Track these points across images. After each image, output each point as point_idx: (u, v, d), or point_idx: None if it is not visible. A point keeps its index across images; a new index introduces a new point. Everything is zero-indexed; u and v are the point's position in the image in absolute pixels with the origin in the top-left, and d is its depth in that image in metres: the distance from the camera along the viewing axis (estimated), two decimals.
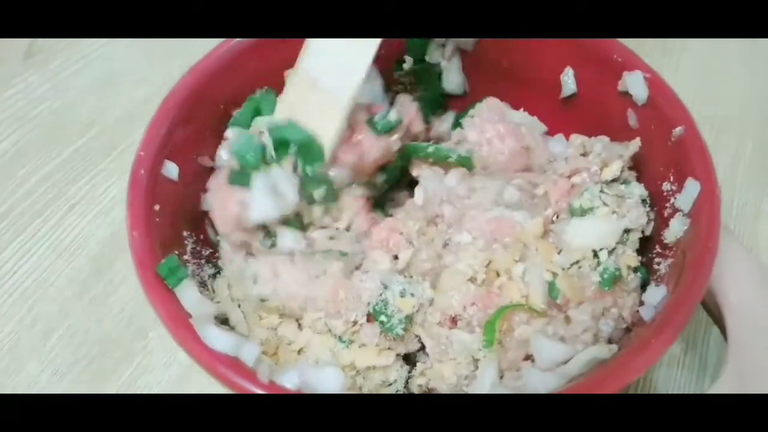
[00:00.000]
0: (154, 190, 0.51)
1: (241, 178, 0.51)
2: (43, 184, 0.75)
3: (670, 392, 0.63)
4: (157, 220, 0.50)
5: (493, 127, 0.59)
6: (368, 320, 0.52)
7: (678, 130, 0.53)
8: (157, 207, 0.50)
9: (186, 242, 0.55)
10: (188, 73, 0.56)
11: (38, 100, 0.82)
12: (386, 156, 0.56)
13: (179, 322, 0.44)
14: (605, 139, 0.58)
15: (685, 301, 0.44)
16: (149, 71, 0.84)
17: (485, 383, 0.47)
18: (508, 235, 0.52)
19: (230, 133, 0.57)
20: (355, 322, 0.52)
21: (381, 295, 0.51)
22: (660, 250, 0.53)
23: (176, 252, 0.51)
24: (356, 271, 0.54)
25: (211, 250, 0.58)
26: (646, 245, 0.55)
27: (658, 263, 0.52)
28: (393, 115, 0.56)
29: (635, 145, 0.56)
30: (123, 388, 0.62)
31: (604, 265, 0.50)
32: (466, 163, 0.58)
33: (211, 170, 0.59)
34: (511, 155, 0.58)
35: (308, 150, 0.51)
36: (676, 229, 0.51)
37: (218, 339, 0.43)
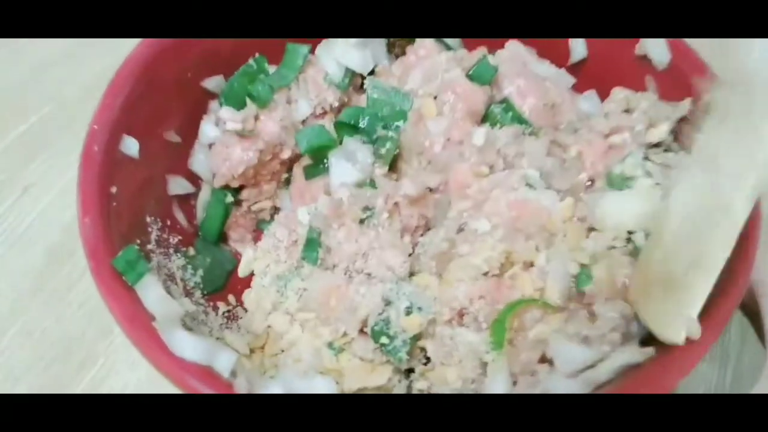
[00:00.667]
0: (110, 170, 0.44)
1: (315, 170, 0.53)
2: None
3: (692, 384, 0.57)
4: (114, 204, 0.43)
5: (511, 82, 0.52)
6: (362, 331, 0.46)
7: (706, 99, 0.46)
8: (114, 189, 0.44)
9: (150, 229, 0.48)
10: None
11: None
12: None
13: (139, 326, 0.37)
14: (653, 96, 0.52)
15: (728, 294, 0.38)
16: (115, 40, 0.76)
17: (496, 390, 0.41)
18: (533, 223, 0.46)
19: (226, 113, 0.51)
20: (345, 334, 0.46)
21: (382, 313, 0.45)
22: None
23: (137, 241, 0.44)
24: (357, 276, 0.48)
25: (180, 237, 0.51)
26: None
27: None
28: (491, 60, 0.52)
29: (684, 107, 0.49)
30: (86, 391, 0.55)
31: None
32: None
33: (179, 146, 0.53)
34: (533, 114, 0.52)
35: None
36: None
37: (187, 345, 0.37)
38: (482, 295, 0.44)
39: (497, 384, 0.41)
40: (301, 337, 0.47)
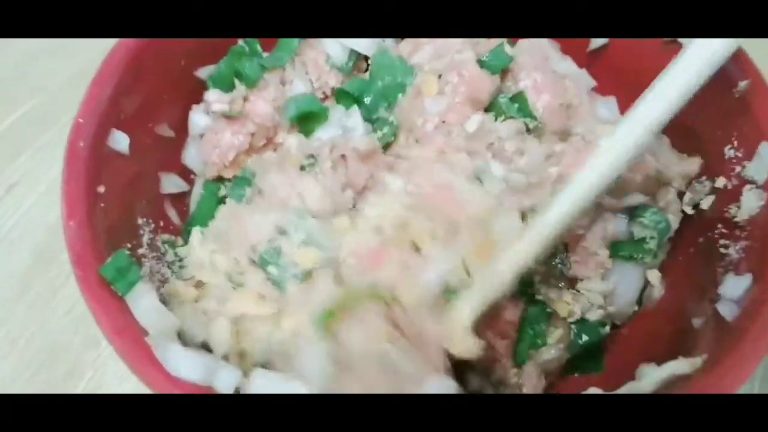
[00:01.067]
0: (97, 167, 0.40)
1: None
2: None
3: None
4: (102, 205, 0.40)
5: (528, 74, 0.49)
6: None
7: (743, 85, 0.44)
8: (101, 188, 0.40)
9: (141, 232, 0.44)
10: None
11: None
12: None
13: (130, 340, 0.34)
14: (664, 139, 0.48)
15: None
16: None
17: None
18: (441, 209, 0.43)
19: (213, 95, 0.48)
20: (238, 261, 0.42)
21: (273, 240, 0.42)
22: (726, 231, 0.44)
23: (128, 245, 0.40)
24: (257, 199, 0.45)
25: (174, 238, 0.47)
26: (704, 222, 0.46)
27: (726, 246, 0.43)
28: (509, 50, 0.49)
29: (695, 164, 0.47)
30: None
31: None
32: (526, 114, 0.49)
33: (172, 141, 0.49)
34: (546, 113, 0.48)
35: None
36: (749, 205, 0.42)
37: (184, 363, 0.33)
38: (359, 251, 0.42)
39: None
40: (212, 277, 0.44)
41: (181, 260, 0.46)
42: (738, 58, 0.45)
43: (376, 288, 0.40)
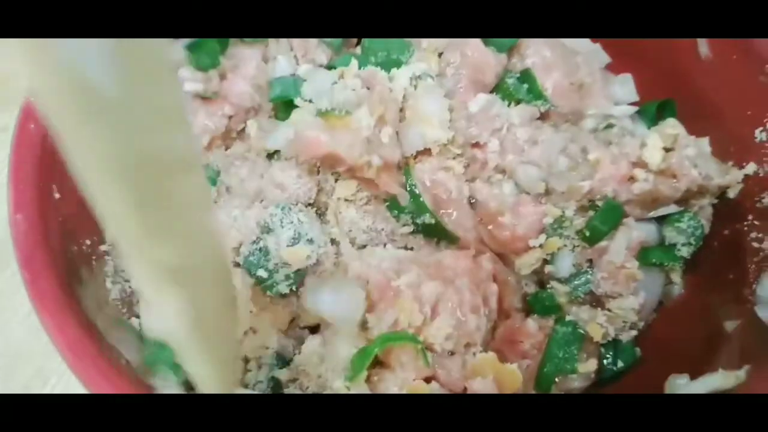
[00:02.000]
0: (51, 152, 0.35)
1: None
2: None
3: None
4: (57, 196, 0.34)
5: (537, 51, 0.44)
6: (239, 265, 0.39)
7: None
8: (56, 176, 0.35)
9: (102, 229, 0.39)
10: None
11: None
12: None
13: (86, 355, 0.29)
14: (704, 146, 0.43)
15: None
16: None
17: None
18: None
19: (185, 72, 0.43)
20: None
21: (258, 242, 0.38)
22: (758, 222, 0.40)
23: (87, 241, 0.35)
24: (226, 197, 0.41)
25: None
26: (731, 213, 0.42)
27: (759, 240, 0.39)
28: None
29: (736, 176, 0.42)
30: None
31: None
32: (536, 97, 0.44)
33: None
34: (556, 93, 0.44)
35: None
36: None
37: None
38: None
39: None
40: None
41: None
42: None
43: None
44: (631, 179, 0.41)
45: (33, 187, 0.33)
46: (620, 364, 0.42)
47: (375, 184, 0.39)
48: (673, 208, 0.42)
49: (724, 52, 0.44)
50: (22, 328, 0.50)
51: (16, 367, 0.49)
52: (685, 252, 0.41)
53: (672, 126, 0.42)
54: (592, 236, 0.40)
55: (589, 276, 0.41)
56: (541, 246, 0.41)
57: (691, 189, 0.40)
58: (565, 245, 0.40)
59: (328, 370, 0.37)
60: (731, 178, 0.41)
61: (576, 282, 0.41)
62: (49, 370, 0.49)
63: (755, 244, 0.39)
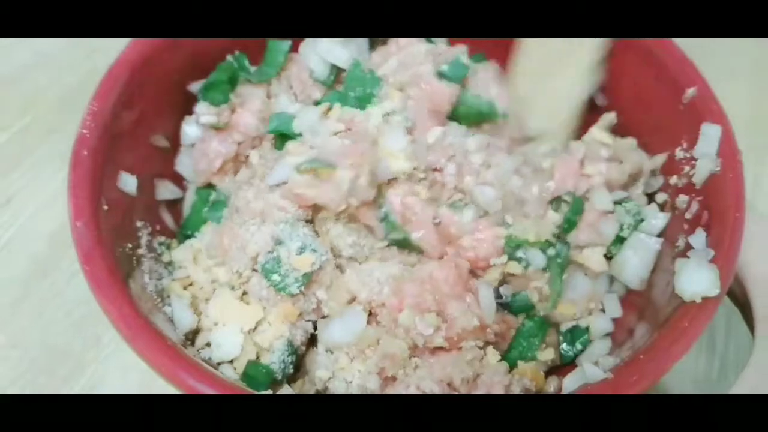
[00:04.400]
0: (99, 174, 0.44)
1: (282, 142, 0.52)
2: None
3: (680, 374, 0.58)
4: (105, 207, 0.43)
5: (485, 83, 0.53)
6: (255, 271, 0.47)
7: (690, 92, 0.48)
8: (104, 193, 0.43)
9: (140, 234, 0.47)
10: (132, 42, 0.48)
11: None
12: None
13: (137, 328, 0.37)
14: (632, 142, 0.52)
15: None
16: (98, 41, 0.76)
17: None
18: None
19: (202, 107, 0.52)
20: (240, 273, 0.47)
21: (273, 252, 0.46)
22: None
23: (129, 245, 0.44)
24: (235, 216, 0.49)
25: (169, 240, 0.51)
26: None
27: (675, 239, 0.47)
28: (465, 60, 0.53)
29: (659, 160, 0.51)
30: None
31: None
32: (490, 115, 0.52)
33: (167, 151, 0.53)
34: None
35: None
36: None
37: None
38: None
39: None
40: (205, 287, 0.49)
41: (171, 263, 0.50)
42: (686, 66, 0.49)
43: None
44: (582, 175, 0.49)
45: (87, 200, 0.41)
46: (578, 347, 0.49)
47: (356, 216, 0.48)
48: (620, 194, 0.50)
49: (645, 81, 0.52)
50: (61, 329, 0.58)
51: (57, 362, 0.56)
52: (627, 234, 0.49)
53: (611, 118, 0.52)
54: (569, 228, 0.48)
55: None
56: (503, 264, 0.48)
57: (633, 172, 0.49)
58: (525, 267, 0.47)
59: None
60: (659, 160, 0.50)
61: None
62: (86, 363, 0.56)
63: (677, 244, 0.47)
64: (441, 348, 0.45)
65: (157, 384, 0.46)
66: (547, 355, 0.48)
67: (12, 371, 0.56)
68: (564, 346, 0.50)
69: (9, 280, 0.60)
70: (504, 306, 0.48)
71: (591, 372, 0.40)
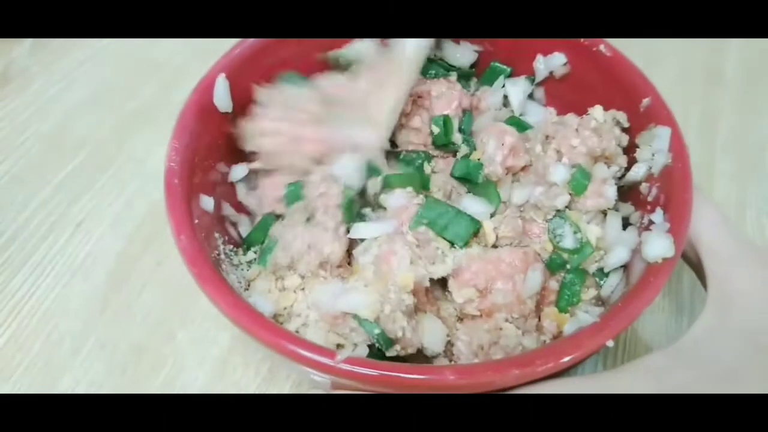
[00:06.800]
0: (189, 197, 0.55)
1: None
2: (44, 207, 0.77)
3: (653, 334, 0.69)
4: (197, 221, 0.54)
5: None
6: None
7: (645, 102, 0.60)
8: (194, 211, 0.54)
9: (218, 243, 0.58)
10: (199, 86, 0.60)
11: (24, 125, 0.84)
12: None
13: (244, 310, 0.48)
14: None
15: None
16: (134, 83, 0.88)
17: None
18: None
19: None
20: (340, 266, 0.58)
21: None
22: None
23: (216, 252, 0.55)
24: (280, 254, 0.58)
25: (235, 249, 0.62)
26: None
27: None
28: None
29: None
30: (162, 389, 0.64)
31: None
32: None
33: (227, 176, 0.64)
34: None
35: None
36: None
37: None
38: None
39: None
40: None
41: (241, 263, 0.61)
42: (639, 80, 0.61)
43: None
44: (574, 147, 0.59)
45: (184, 218, 0.52)
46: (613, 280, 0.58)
47: None
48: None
49: (611, 92, 0.64)
50: (140, 330, 0.68)
51: (141, 355, 0.66)
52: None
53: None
54: (578, 190, 0.59)
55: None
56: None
57: (609, 149, 0.59)
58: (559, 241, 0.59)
59: None
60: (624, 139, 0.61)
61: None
62: (165, 355, 0.66)
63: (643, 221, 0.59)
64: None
65: (228, 369, 0.61)
66: (590, 294, 0.58)
67: (104, 367, 0.65)
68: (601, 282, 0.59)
69: (91, 293, 0.70)
70: None
71: (583, 318, 0.52)
